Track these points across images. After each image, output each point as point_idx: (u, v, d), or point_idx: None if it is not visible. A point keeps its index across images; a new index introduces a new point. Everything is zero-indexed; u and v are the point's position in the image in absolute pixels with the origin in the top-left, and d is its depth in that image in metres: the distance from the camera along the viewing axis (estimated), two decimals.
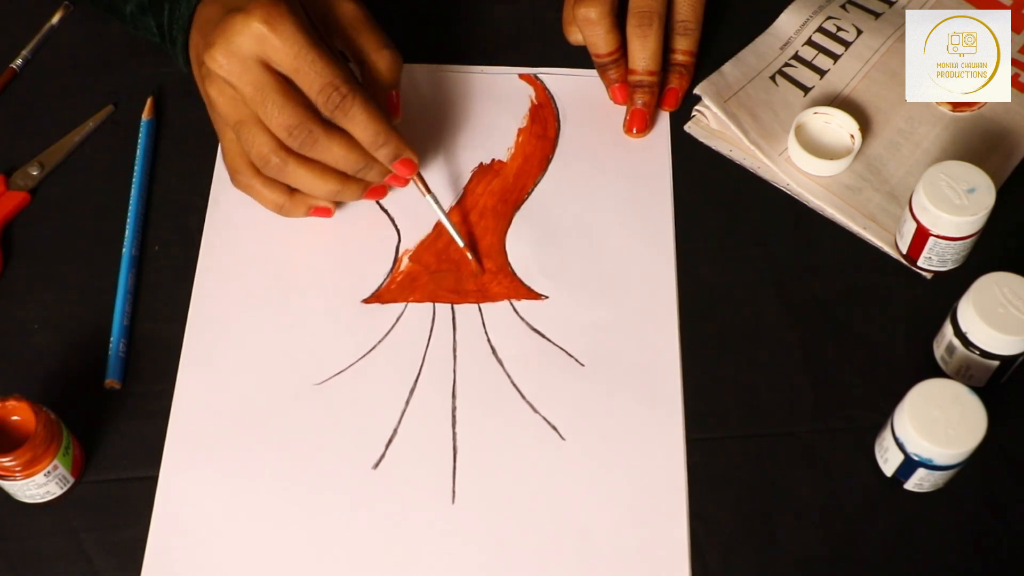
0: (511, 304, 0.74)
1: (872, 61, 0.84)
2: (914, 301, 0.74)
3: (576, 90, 0.83)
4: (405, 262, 0.76)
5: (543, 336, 0.73)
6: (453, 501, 0.67)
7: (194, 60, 0.72)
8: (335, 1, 0.71)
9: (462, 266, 0.75)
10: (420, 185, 0.73)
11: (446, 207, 0.78)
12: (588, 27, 0.79)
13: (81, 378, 0.71)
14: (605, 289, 0.74)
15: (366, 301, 0.74)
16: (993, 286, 0.67)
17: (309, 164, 0.69)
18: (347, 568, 0.65)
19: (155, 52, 0.80)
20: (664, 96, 0.81)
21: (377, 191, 0.75)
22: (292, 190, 0.72)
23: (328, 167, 0.70)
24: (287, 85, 0.66)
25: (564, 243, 0.76)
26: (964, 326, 0.68)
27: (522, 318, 0.73)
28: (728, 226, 0.78)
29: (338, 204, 0.75)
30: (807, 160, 0.78)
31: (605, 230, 0.77)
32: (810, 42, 0.85)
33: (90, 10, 0.85)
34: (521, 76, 0.84)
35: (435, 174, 0.79)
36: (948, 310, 0.70)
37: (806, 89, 0.83)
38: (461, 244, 0.75)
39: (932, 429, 0.63)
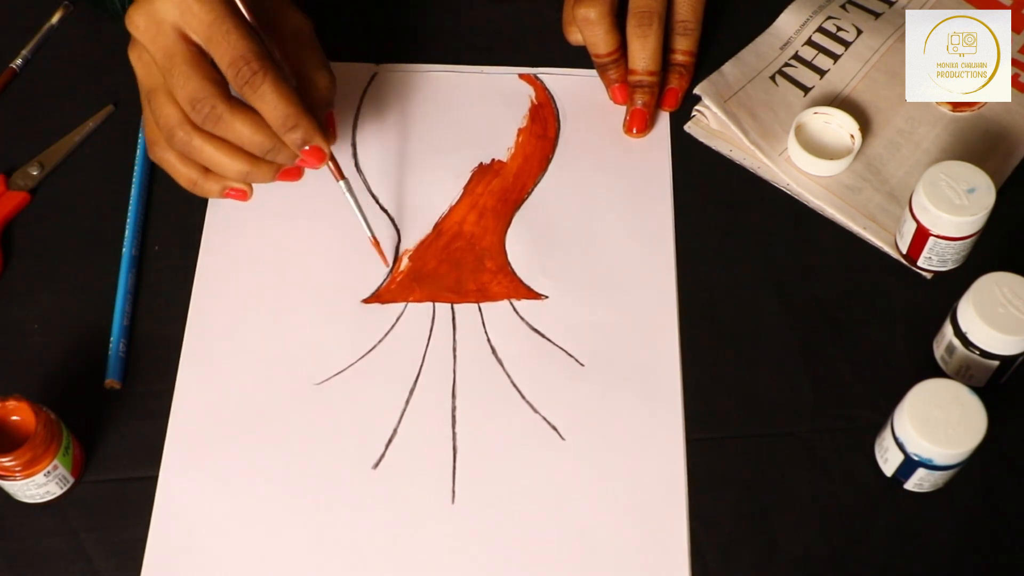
0: (511, 304, 0.74)
1: (872, 61, 0.84)
2: (914, 301, 0.74)
3: (576, 90, 0.83)
4: (405, 262, 0.76)
5: (543, 336, 0.73)
6: (453, 501, 0.67)
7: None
8: (285, 11, 0.69)
9: (462, 266, 0.75)
10: (333, 170, 0.71)
11: (446, 207, 0.78)
12: (588, 27, 0.79)
13: (81, 378, 0.71)
14: (605, 289, 0.74)
15: (366, 301, 0.74)
16: (993, 286, 0.67)
17: (215, 141, 0.66)
18: (347, 568, 0.65)
19: None
20: (664, 96, 0.81)
21: (291, 172, 0.71)
22: (206, 168, 0.69)
23: (236, 146, 0.67)
24: (200, 57, 0.64)
25: (564, 243, 0.76)
26: (964, 326, 0.68)
27: (522, 318, 0.73)
28: (728, 226, 0.78)
29: (251, 187, 0.72)
30: (807, 160, 0.78)
31: (605, 230, 0.77)
32: (810, 42, 0.85)
33: (90, 10, 0.85)
34: (521, 76, 0.84)
35: (435, 174, 0.79)
36: (948, 310, 0.70)
37: (806, 89, 0.83)
38: (368, 234, 0.73)
39: (932, 429, 0.63)
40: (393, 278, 0.75)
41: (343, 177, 0.72)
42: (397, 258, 0.76)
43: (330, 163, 0.70)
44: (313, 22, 0.70)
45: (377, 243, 0.74)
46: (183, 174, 0.70)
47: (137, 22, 0.64)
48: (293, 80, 0.68)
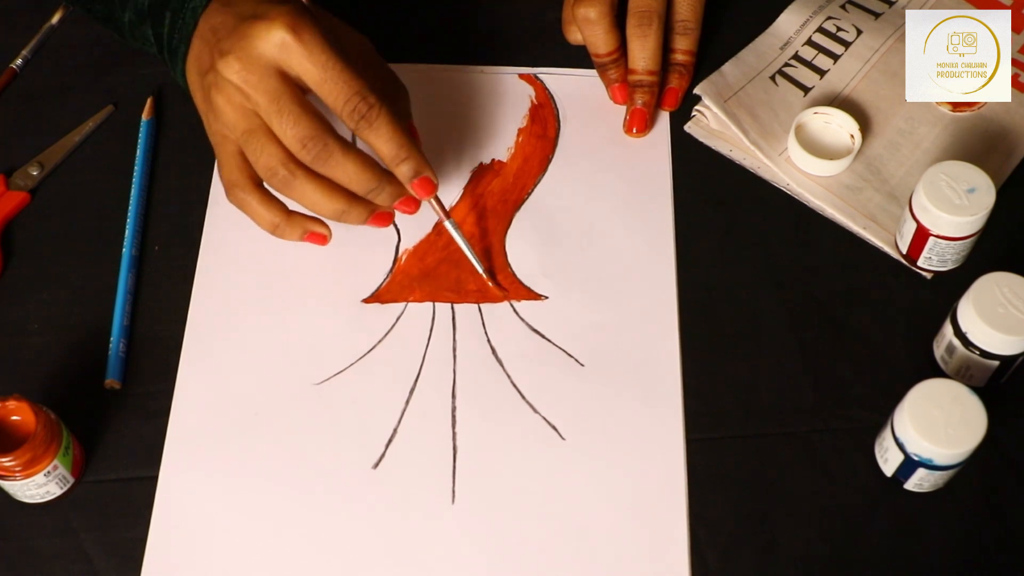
0: (511, 304, 0.74)
1: (872, 61, 0.84)
2: (914, 301, 0.74)
3: (576, 90, 0.83)
4: (405, 262, 0.76)
5: (543, 336, 0.73)
6: (453, 501, 0.67)
7: (195, 70, 0.69)
8: (348, 33, 0.71)
9: (462, 265, 0.75)
10: (439, 210, 0.72)
11: (446, 206, 0.78)
12: (587, 27, 0.79)
13: (81, 378, 0.71)
14: (605, 289, 0.74)
15: (366, 301, 0.74)
16: (993, 286, 0.67)
17: (317, 180, 0.67)
18: (347, 568, 0.65)
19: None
20: (664, 96, 0.82)
21: (382, 218, 0.71)
22: (289, 211, 0.70)
23: (336, 185, 0.67)
24: (304, 97, 0.65)
25: (564, 243, 0.76)
26: (964, 326, 0.68)
27: (522, 318, 0.73)
28: (728, 226, 0.78)
29: (331, 231, 0.73)
30: (807, 160, 0.78)
31: (605, 230, 0.77)
32: (810, 42, 0.85)
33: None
34: (521, 76, 0.84)
35: (435, 174, 0.79)
36: (948, 310, 0.70)
37: (806, 89, 0.83)
38: (480, 270, 0.74)
39: (932, 429, 0.63)
40: (393, 278, 0.75)
41: (449, 217, 0.72)
42: (397, 258, 0.76)
43: (435, 201, 0.71)
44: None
45: (488, 277, 0.74)
46: (266, 217, 0.70)
47: (235, 67, 0.64)
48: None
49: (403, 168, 0.67)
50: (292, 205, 0.69)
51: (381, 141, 0.66)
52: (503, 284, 0.75)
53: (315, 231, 0.71)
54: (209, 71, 0.66)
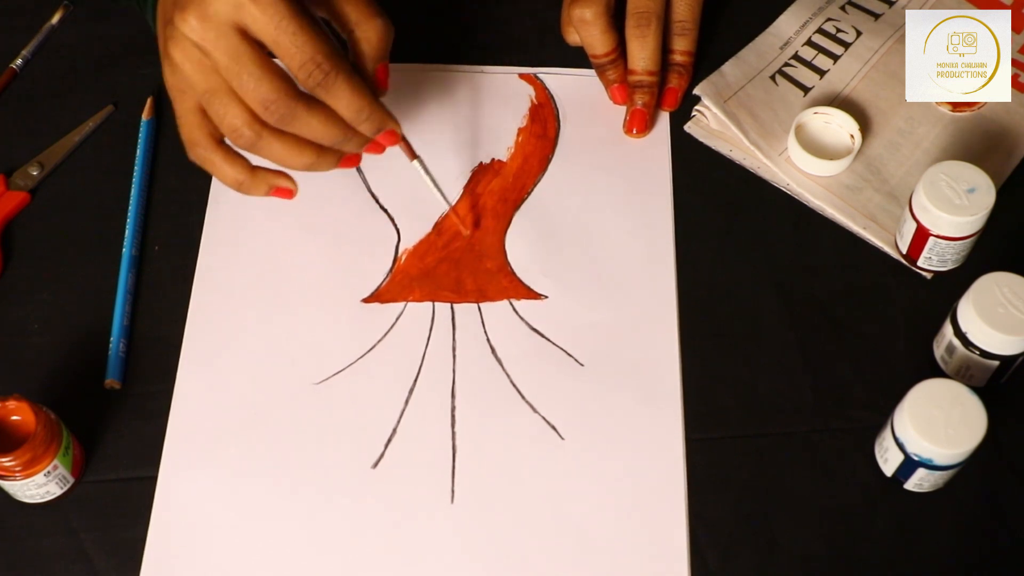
0: (511, 304, 0.74)
1: (872, 61, 0.84)
2: (914, 301, 0.74)
3: (576, 90, 0.83)
4: (405, 261, 0.76)
5: (543, 336, 0.73)
6: (452, 500, 0.67)
7: (161, 17, 0.66)
8: None
9: (462, 265, 0.75)
10: (406, 150, 0.71)
11: (446, 206, 0.78)
12: (584, 28, 0.79)
13: (81, 378, 0.71)
14: (605, 289, 0.74)
15: (365, 300, 0.74)
16: (993, 286, 0.67)
17: (284, 137, 0.65)
18: (346, 567, 0.65)
19: (155, 52, 0.80)
20: (663, 96, 0.82)
21: (351, 159, 0.70)
22: (252, 167, 0.68)
23: (303, 140, 0.66)
24: (265, 55, 0.63)
25: (564, 243, 0.76)
26: (964, 326, 0.68)
27: (522, 318, 0.73)
28: (728, 226, 0.78)
29: (296, 184, 0.72)
30: (807, 160, 0.78)
31: (605, 230, 0.77)
32: (810, 42, 0.85)
33: (90, 11, 0.85)
34: (521, 76, 0.84)
35: (435, 173, 0.79)
36: (948, 310, 0.70)
37: (806, 89, 0.83)
38: (447, 206, 0.74)
39: (932, 429, 0.63)
40: (392, 277, 0.75)
41: (416, 156, 0.72)
42: (397, 257, 0.76)
43: (402, 144, 0.70)
44: None
45: (456, 213, 0.74)
46: (229, 174, 0.68)
47: (192, 23, 0.62)
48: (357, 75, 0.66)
49: (364, 127, 0.66)
50: (255, 160, 0.68)
51: (340, 104, 0.65)
52: (502, 283, 0.74)
53: (281, 186, 0.70)
54: (168, 23, 0.64)
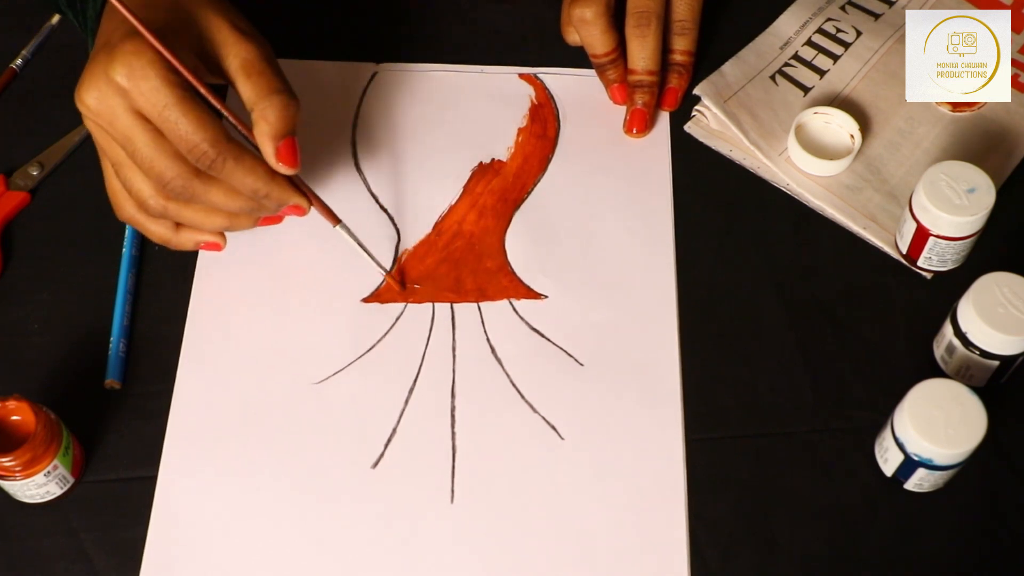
0: (510, 303, 0.74)
1: (872, 61, 0.84)
2: (914, 301, 0.74)
3: (576, 90, 0.83)
4: (405, 261, 0.76)
5: (542, 336, 0.73)
6: (452, 500, 0.67)
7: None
8: (230, 44, 0.66)
9: (462, 265, 0.75)
10: (326, 216, 0.71)
11: (445, 206, 0.78)
12: (584, 27, 0.79)
13: (81, 378, 0.71)
14: (605, 289, 0.74)
15: (365, 300, 0.74)
16: (993, 286, 0.67)
17: (192, 205, 0.66)
18: (346, 567, 0.65)
19: None
20: (663, 96, 0.82)
21: (271, 219, 0.72)
22: (177, 224, 0.70)
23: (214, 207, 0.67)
24: (160, 135, 0.63)
25: (564, 243, 0.76)
26: (964, 326, 0.68)
27: (521, 318, 0.73)
28: (728, 226, 0.78)
29: (224, 237, 0.73)
30: (807, 160, 0.78)
31: (605, 230, 0.77)
32: (810, 42, 0.85)
33: None
34: (521, 76, 0.84)
35: (435, 173, 0.79)
36: (948, 310, 0.70)
37: (806, 89, 0.83)
38: (380, 271, 0.73)
39: (932, 429, 0.63)
40: (393, 277, 0.75)
41: (338, 221, 0.71)
42: (397, 257, 0.76)
43: (317, 211, 0.70)
44: (263, 42, 0.67)
45: (388, 273, 0.74)
46: (154, 232, 0.70)
47: (88, 103, 0.62)
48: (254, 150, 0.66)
49: (267, 203, 0.67)
50: None
51: (236, 184, 0.65)
52: (502, 283, 0.74)
53: (208, 240, 0.71)
54: (76, 88, 0.64)
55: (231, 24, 0.66)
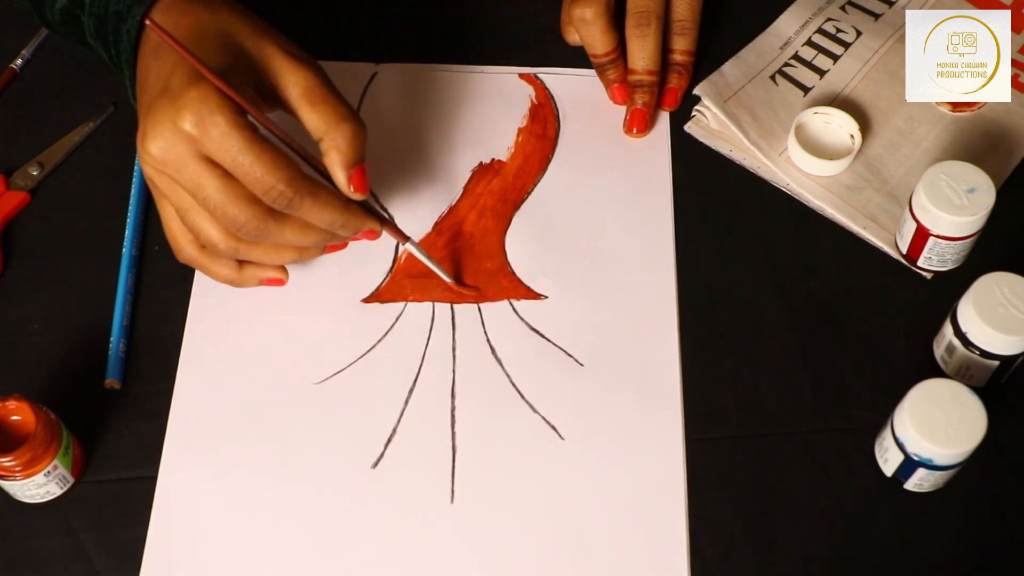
0: (511, 304, 0.74)
1: (872, 62, 0.84)
2: (914, 301, 0.74)
3: (576, 90, 0.83)
4: (405, 261, 0.76)
5: (542, 336, 0.73)
6: (452, 500, 0.67)
7: (140, 110, 0.65)
8: (288, 72, 0.64)
9: (462, 265, 0.75)
10: (396, 236, 0.71)
11: (445, 206, 0.78)
12: (584, 27, 0.79)
13: (81, 378, 0.71)
14: (605, 289, 0.74)
15: (365, 300, 0.74)
16: (993, 286, 0.67)
17: (262, 245, 0.66)
18: (346, 567, 0.65)
19: None
20: (663, 96, 0.82)
21: (339, 246, 0.71)
22: (240, 263, 0.69)
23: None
24: (230, 179, 0.61)
25: (564, 243, 0.76)
26: (964, 326, 0.68)
27: (521, 318, 0.73)
28: (728, 226, 0.78)
29: (287, 272, 0.72)
30: (807, 160, 0.78)
31: (605, 230, 0.77)
32: (810, 43, 0.85)
33: None
34: (521, 76, 0.84)
35: (435, 173, 0.79)
36: (948, 310, 0.70)
37: (806, 89, 0.83)
38: (447, 280, 0.73)
39: (932, 429, 0.63)
40: (393, 277, 0.75)
41: (407, 239, 0.71)
42: (397, 258, 0.76)
43: (391, 233, 0.70)
44: (318, 67, 0.65)
45: (455, 285, 0.74)
46: (219, 274, 0.69)
47: (154, 153, 0.60)
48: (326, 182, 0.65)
49: (343, 232, 0.66)
50: None
51: (312, 219, 0.64)
52: (502, 283, 0.75)
53: (272, 276, 0.70)
54: (140, 131, 0.62)
55: (284, 52, 0.64)
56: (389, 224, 0.70)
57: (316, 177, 0.64)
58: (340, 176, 0.65)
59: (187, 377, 0.71)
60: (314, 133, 0.64)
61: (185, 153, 0.60)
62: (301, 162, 0.65)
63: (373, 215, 0.68)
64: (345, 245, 0.72)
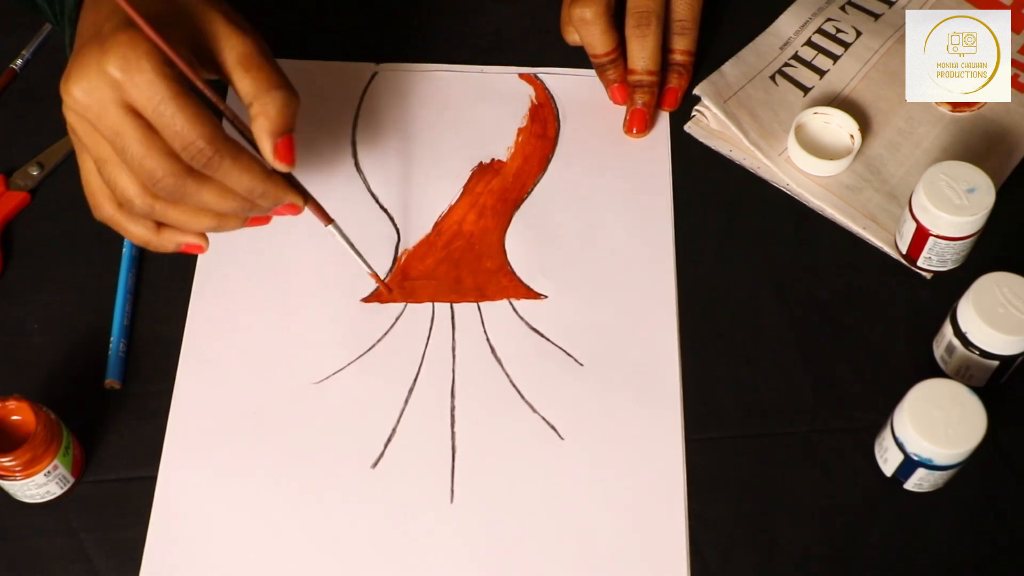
0: (510, 303, 0.74)
1: (872, 62, 0.84)
2: (914, 301, 0.74)
3: (576, 90, 0.83)
4: (404, 262, 0.76)
5: (542, 336, 0.73)
6: (452, 500, 0.67)
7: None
8: (226, 37, 0.63)
9: (462, 265, 0.76)
10: (318, 215, 0.69)
11: (445, 206, 0.78)
12: (584, 27, 0.79)
13: (81, 378, 0.71)
14: (605, 289, 0.74)
15: (365, 300, 0.74)
16: (993, 286, 0.67)
17: (179, 206, 0.63)
18: (346, 567, 0.65)
19: None
20: (663, 96, 0.82)
21: (260, 220, 0.68)
22: (158, 225, 0.66)
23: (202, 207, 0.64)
24: (151, 131, 0.60)
25: (564, 243, 0.76)
26: (964, 326, 0.68)
27: (521, 318, 0.73)
28: (728, 226, 0.78)
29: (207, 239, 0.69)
30: (807, 160, 0.78)
31: (605, 230, 0.77)
32: (810, 43, 0.85)
33: None
34: (521, 76, 0.84)
35: (435, 173, 0.79)
36: (948, 310, 0.70)
37: (806, 89, 0.83)
38: (367, 270, 0.72)
39: (932, 429, 0.63)
40: (392, 277, 0.75)
41: (330, 221, 0.70)
42: (396, 257, 0.76)
43: (314, 212, 0.68)
44: (259, 36, 0.64)
45: (376, 276, 0.73)
46: (134, 233, 0.66)
47: (77, 96, 0.59)
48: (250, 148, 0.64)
49: (260, 202, 0.64)
50: None
51: (230, 183, 0.62)
52: (502, 283, 0.74)
53: (189, 242, 0.67)
54: (62, 80, 0.61)
55: (226, 17, 0.64)
56: (312, 201, 0.68)
57: (240, 142, 0.63)
58: (266, 143, 0.63)
59: (187, 377, 0.71)
60: (244, 99, 0.63)
61: (108, 98, 0.59)
62: (229, 128, 0.64)
63: (296, 189, 0.66)
64: (268, 220, 0.69)
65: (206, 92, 0.62)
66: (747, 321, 0.74)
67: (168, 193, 0.61)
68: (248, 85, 0.63)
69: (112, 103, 0.59)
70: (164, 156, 0.60)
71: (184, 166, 0.61)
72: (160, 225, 0.66)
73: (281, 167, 0.64)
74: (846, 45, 0.85)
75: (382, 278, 0.75)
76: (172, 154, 0.60)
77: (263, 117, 0.63)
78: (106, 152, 0.62)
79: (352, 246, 0.71)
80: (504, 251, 0.76)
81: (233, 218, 0.65)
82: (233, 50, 0.63)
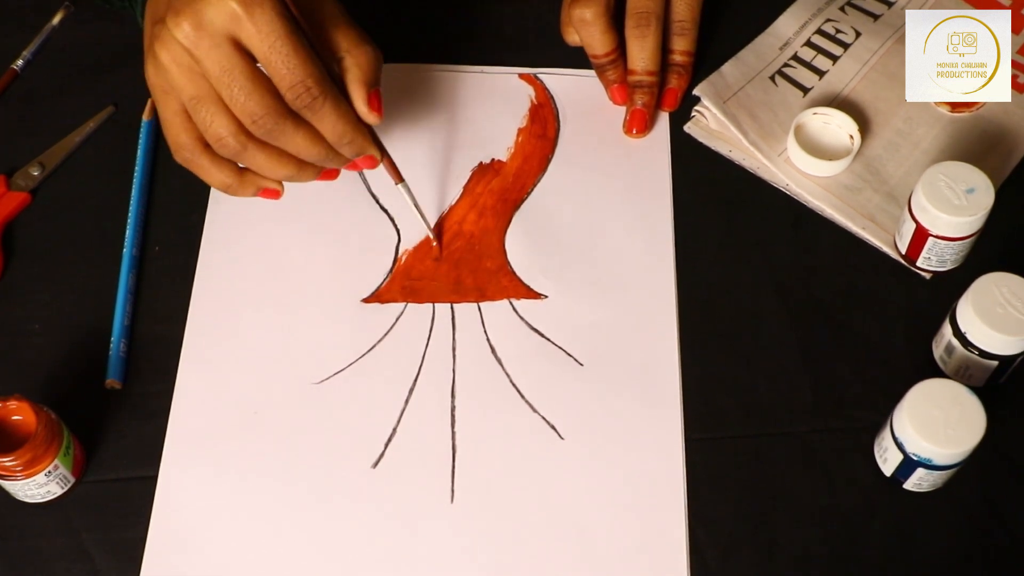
0: (510, 303, 0.74)
1: (871, 62, 0.84)
2: (913, 301, 0.74)
3: (576, 90, 0.83)
4: (405, 262, 0.76)
5: (542, 335, 0.73)
6: (452, 500, 0.67)
7: (150, 15, 0.66)
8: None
9: (462, 265, 0.76)
10: (391, 173, 0.72)
11: (445, 206, 0.78)
12: (584, 28, 0.79)
13: (81, 378, 0.71)
14: (605, 289, 0.75)
15: (366, 300, 0.74)
16: (992, 286, 0.67)
17: (267, 149, 0.66)
18: (346, 567, 0.65)
19: None
20: (663, 96, 0.82)
21: (330, 173, 0.71)
22: (240, 170, 0.68)
23: (286, 152, 0.66)
24: (257, 69, 0.62)
25: (564, 243, 0.77)
26: (963, 326, 0.68)
27: (521, 317, 0.73)
28: (728, 226, 0.78)
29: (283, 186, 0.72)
30: (806, 160, 0.78)
31: (605, 230, 0.77)
32: (809, 43, 0.85)
33: (91, 11, 0.85)
34: (521, 76, 0.84)
35: (435, 173, 0.79)
36: (947, 310, 0.70)
37: (805, 90, 0.83)
38: (429, 233, 0.75)
39: (931, 429, 0.63)
40: (393, 277, 0.75)
41: (401, 179, 0.72)
42: (397, 258, 0.76)
43: (386, 167, 0.71)
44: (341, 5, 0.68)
45: (439, 241, 0.75)
46: (217, 178, 0.68)
47: (185, 28, 0.61)
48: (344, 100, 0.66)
49: (346, 150, 0.67)
50: None
51: (324, 127, 0.65)
52: (502, 283, 0.75)
53: (268, 187, 0.70)
54: (159, 22, 0.63)
55: None
56: (388, 158, 0.71)
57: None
58: (359, 93, 0.66)
59: (187, 377, 0.71)
60: (337, 51, 0.66)
61: (221, 32, 0.61)
62: None
63: (377, 144, 0.69)
64: (336, 175, 0.71)
65: (311, 38, 0.64)
66: (747, 321, 0.74)
67: (265, 132, 0.64)
68: (342, 37, 0.66)
69: (224, 38, 0.61)
70: (269, 95, 0.63)
71: (284, 108, 0.63)
72: (242, 172, 0.68)
73: (371, 117, 0.67)
74: (845, 46, 0.85)
75: (382, 279, 0.75)
76: (276, 94, 0.63)
77: (357, 68, 0.66)
78: (204, 90, 0.63)
79: (418, 208, 0.73)
80: (504, 251, 0.76)
81: (311, 168, 0.68)
82: (325, 6, 0.66)
